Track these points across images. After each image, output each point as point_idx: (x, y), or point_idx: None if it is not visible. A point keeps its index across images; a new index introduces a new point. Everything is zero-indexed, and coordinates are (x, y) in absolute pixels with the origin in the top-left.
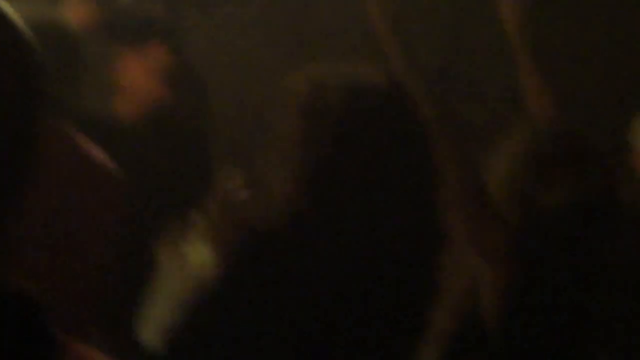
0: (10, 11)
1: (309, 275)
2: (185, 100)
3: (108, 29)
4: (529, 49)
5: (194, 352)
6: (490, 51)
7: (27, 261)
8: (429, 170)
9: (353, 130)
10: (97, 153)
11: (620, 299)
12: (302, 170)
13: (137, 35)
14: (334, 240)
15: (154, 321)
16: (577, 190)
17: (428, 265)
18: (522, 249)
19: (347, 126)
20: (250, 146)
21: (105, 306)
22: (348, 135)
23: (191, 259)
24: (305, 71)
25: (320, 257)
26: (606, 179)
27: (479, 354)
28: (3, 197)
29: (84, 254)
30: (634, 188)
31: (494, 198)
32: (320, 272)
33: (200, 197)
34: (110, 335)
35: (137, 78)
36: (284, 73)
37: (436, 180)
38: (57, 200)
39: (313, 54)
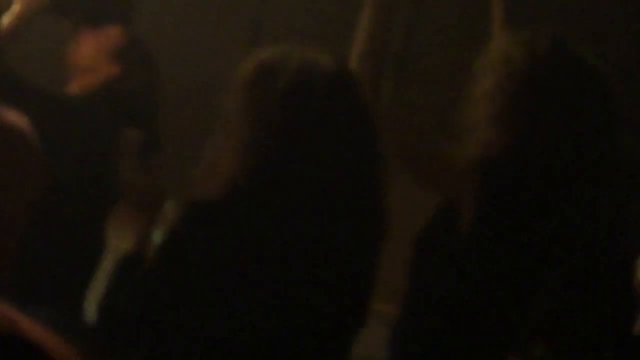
0: None
1: (247, 249)
2: (135, 77)
3: (63, 7)
4: None
5: (130, 326)
6: None
7: None
8: (372, 151)
9: (298, 110)
10: (11, 116)
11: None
12: (247, 148)
13: (93, 16)
14: (274, 214)
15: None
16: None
17: (370, 247)
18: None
19: (292, 107)
20: (198, 124)
21: (51, 285)
22: (293, 115)
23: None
24: (255, 52)
25: (262, 231)
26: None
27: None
28: None
29: None
30: None
31: (459, 137)
32: (260, 246)
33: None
34: (59, 313)
35: (89, 56)
36: (236, 53)
37: (379, 162)
38: None
39: (266, 35)
